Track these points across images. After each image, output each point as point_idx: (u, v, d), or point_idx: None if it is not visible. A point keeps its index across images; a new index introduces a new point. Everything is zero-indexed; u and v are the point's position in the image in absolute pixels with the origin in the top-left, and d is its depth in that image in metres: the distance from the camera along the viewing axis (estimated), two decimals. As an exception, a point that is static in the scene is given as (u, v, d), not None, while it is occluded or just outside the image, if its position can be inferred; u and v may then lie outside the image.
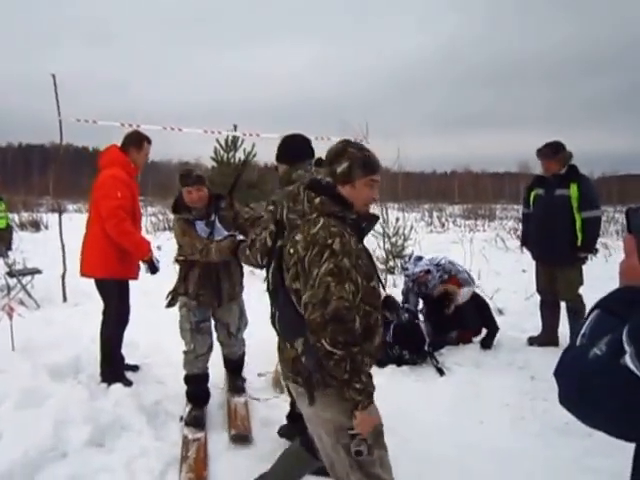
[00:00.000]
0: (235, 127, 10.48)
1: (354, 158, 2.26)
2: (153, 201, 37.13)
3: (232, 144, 11.41)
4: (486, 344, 5.52)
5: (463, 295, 5.70)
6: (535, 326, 5.84)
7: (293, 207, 2.38)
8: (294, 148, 3.19)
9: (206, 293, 3.96)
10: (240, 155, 11.63)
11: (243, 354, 4.55)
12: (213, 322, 4.20)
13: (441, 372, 4.90)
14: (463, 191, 67.52)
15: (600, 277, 9.94)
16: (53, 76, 7.45)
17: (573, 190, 5.34)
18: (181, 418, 3.99)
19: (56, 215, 8.74)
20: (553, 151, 5.44)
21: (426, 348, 5.11)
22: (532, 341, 5.70)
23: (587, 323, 1.07)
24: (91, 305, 7.12)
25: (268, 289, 2.48)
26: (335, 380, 2.12)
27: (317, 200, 2.23)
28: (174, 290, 4.09)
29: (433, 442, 3.56)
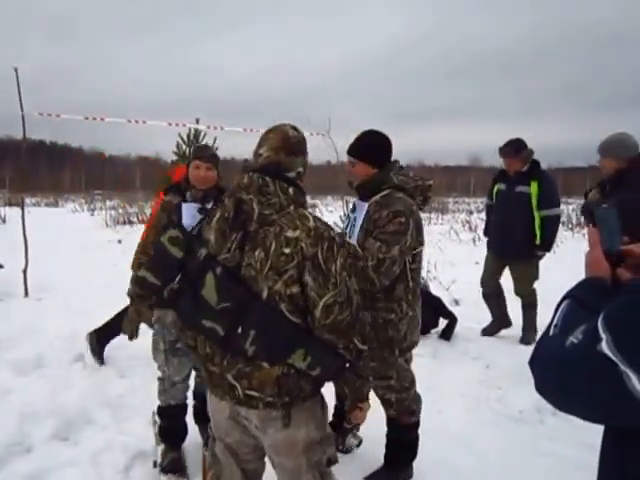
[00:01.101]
0: (198, 120, 10.35)
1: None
2: (112, 195, 36.47)
3: (194, 138, 11.27)
4: (445, 335, 5.60)
5: None
6: (488, 318, 5.94)
7: (267, 201, 1.94)
8: (385, 148, 3.02)
9: None
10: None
11: None
12: None
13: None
14: (417, 185, 67.91)
15: (550, 268, 10.20)
16: (15, 70, 7.21)
17: (533, 187, 5.38)
18: (155, 463, 3.23)
19: (13, 209, 8.50)
20: (515, 150, 5.48)
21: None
22: (485, 332, 5.80)
23: (558, 314, 1.10)
24: (54, 300, 6.98)
25: (200, 308, 1.96)
26: (360, 379, 2.02)
27: (291, 190, 1.97)
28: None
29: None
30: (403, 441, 3.15)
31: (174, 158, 11.87)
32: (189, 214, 3.09)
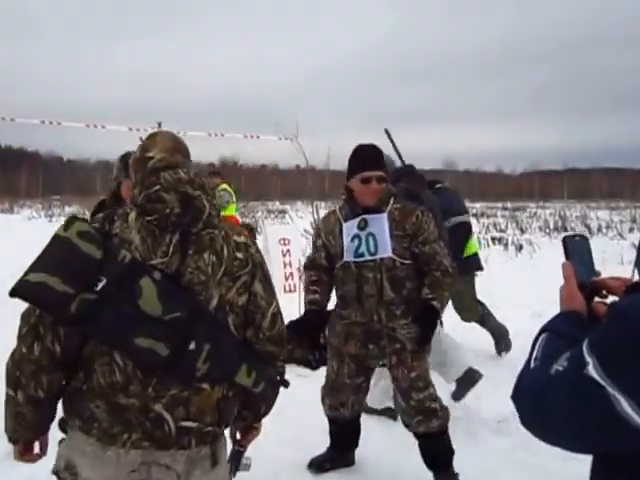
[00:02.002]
0: (159, 124, 10.30)
1: None
2: (71, 200, 36.02)
3: (156, 142, 11.20)
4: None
5: None
6: (465, 325, 5.97)
7: (212, 199, 1.81)
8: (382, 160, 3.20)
9: None
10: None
11: None
12: None
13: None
14: (391, 188, 68.53)
15: (528, 274, 10.31)
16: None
17: None
18: None
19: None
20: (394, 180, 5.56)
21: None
22: (499, 350, 5.79)
23: (537, 347, 1.12)
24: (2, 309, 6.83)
25: (138, 322, 1.63)
26: (266, 403, 1.92)
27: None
28: None
29: (368, 443, 3.60)
30: (448, 445, 3.24)
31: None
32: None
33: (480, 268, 5.65)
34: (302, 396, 4.72)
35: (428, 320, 3.09)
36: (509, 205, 41.98)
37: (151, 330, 1.61)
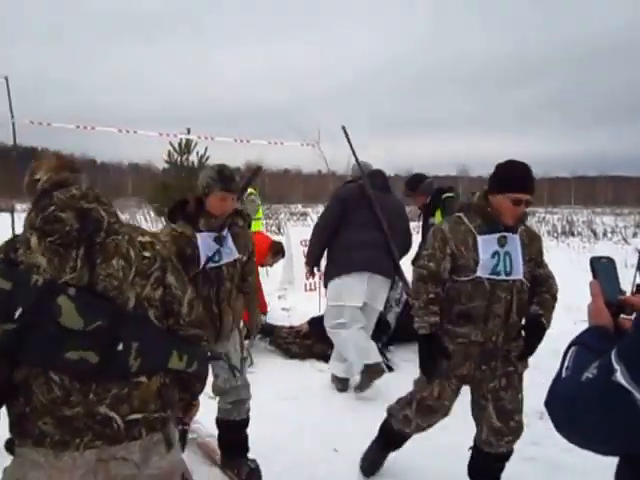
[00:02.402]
0: (189, 130, 10.38)
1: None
2: (104, 201, 36.12)
3: (185, 147, 11.29)
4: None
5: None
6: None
7: (109, 208, 1.80)
8: None
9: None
10: (193, 158, 11.53)
11: (248, 410, 3.27)
12: None
13: (390, 368, 4.94)
14: (406, 193, 68.30)
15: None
16: (6, 78, 7.20)
17: (437, 217, 5.31)
18: None
19: (1, 215, 8.43)
20: (410, 188, 5.49)
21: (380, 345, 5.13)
22: None
23: (568, 358, 1.16)
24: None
25: (69, 338, 1.64)
26: (200, 381, 1.97)
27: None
28: None
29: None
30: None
31: (164, 166, 11.88)
32: (205, 245, 3.02)
33: None
34: (319, 389, 4.75)
35: (537, 334, 3.00)
36: (519, 210, 41.58)
37: (78, 343, 1.62)
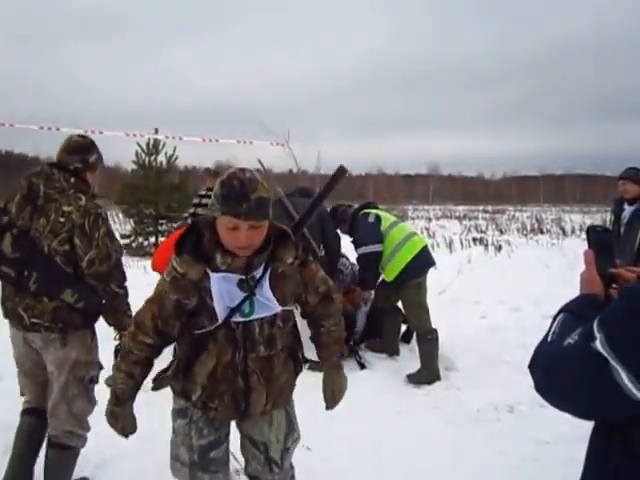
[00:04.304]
0: (156, 130, 10.31)
1: (100, 153, 2.96)
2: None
3: (154, 147, 11.20)
4: (405, 338, 5.63)
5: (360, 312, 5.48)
6: (446, 320, 6.00)
7: (51, 184, 2.69)
8: None
9: (223, 404, 2.08)
10: (162, 158, 11.44)
11: None
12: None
13: (362, 366, 4.97)
14: (378, 193, 68.79)
15: (507, 272, 10.40)
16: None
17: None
18: None
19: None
20: (332, 217, 5.33)
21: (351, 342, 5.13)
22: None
23: (555, 324, 1.20)
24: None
25: (2, 258, 2.65)
26: (117, 312, 2.78)
27: (72, 180, 2.72)
28: (163, 376, 2.26)
29: (351, 433, 3.61)
30: None
31: (133, 167, 11.77)
32: (223, 292, 1.94)
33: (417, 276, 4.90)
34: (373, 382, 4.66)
35: None
36: (489, 208, 42.22)
37: (6, 262, 2.63)
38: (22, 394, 2.95)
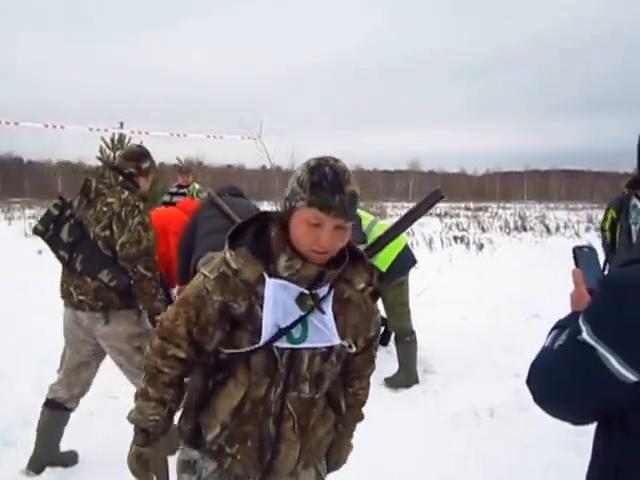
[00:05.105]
0: (122, 124, 10.21)
1: (153, 161, 3.54)
2: (32, 203, 35.37)
3: (119, 142, 11.10)
4: (383, 341, 5.66)
5: None
6: (425, 321, 6.05)
7: (101, 180, 3.32)
8: None
9: (245, 452, 1.68)
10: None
11: None
12: None
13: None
14: (355, 189, 68.65)
15: (488, 271, 10.51)
16: None
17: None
18: None
19: None
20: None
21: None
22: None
23: (549, 339, 1.25)
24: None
25: (60, 244, 3.25)
26: (145, 294, 3.22)
27: (120, 178, 3.34)
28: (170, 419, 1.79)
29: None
30: None
31: (99, 164, 11.64)
32: (278, 303, 1.59)
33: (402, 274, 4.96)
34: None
35: None
36: (471, 205, 42.52)
37: (63, 247, 3.24)
38: (59, 370, 3.49)
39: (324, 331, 1.62)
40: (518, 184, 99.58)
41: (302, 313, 1.58)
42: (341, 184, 1.51)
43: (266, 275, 1.58)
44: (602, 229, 5.21)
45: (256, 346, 1.58)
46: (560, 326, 1.27)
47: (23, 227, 18.34)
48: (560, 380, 1.15)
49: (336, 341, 1.64)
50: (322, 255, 1.55)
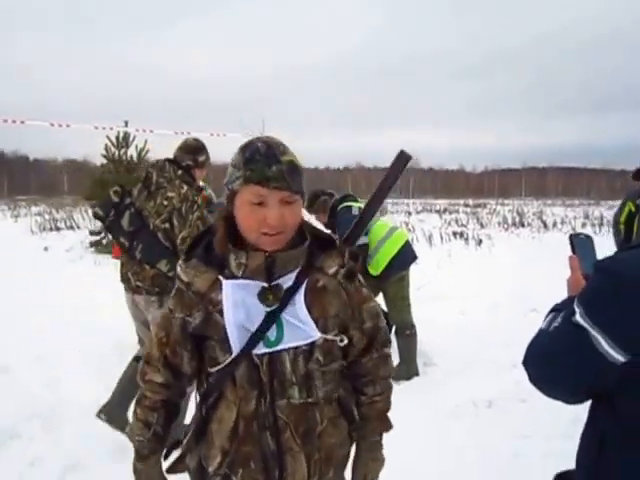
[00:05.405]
0: (126, 123, 10.22)
1: (208, 154, 3.73)
2: (37, 200, 35.42)
3: (123, 141, 11.10)
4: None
5: None
6: (424, 315, 6.06)
7: (162, 174, 3.49)
8: None
9: (250, 475, 1.52)
10: (132, 152, 11.34)
11: None
12: None
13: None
14: (356, 186, 68.91)
15: (487, 267, 10.52)
16: None
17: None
18: None
19: None
20: (308, 205, 5.12)
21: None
22: None
23: (545, 322, 1.28)
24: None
25: (120, 231, 3.43)
26: None
27: (179, 172, 3.51)
28: (174, 450, 1.70)
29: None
30: None
31: (103, 161, 11.65)
32: (239, 305, 1.45)
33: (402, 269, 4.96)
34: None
35: None
36: (470, 202, 42.54)
37: (123, 234, 3.42)
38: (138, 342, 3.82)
39: (300, 327, 1.46)
40: (516, 181, 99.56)
41: (267, 309, 1.44)
42: (276, 154, 1.39)
43: (222, 279, 1.46)
44: (616, 222, 4.67)
45: (232, 358, 1.44)
46: (556, 309, 1.30)
47: (29, 224, 18.43)
48: (554, 361, 1.19)
49: (316, 335, 1.47)
50: (275, 237, 1.41)
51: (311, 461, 1.52)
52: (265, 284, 1.44)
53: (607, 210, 28.26)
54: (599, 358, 1.09)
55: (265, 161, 1.37)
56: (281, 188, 1.37)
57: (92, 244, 12.01)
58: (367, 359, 1.63)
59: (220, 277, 1.46)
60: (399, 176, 2.55)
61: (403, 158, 3.25)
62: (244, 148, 1.42)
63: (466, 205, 37.15)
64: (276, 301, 1.44)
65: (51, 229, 17.98)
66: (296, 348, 1.47)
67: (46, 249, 12.42)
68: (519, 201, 44.55)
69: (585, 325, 1.11)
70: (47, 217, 20.50)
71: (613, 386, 1.12)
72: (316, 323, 1.47)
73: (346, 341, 1.53)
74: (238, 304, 1.44)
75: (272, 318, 1.44)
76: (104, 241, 12.21)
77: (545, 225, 19.70)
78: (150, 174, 3.50)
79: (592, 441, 1.22)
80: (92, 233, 12.12)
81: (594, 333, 1.09)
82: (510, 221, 21.32)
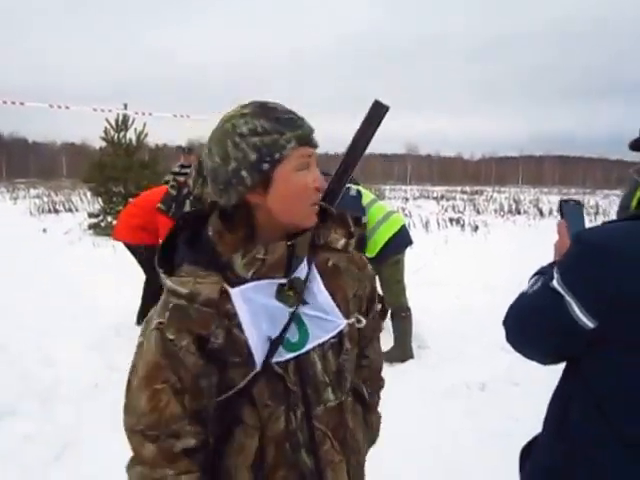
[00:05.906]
0: (125, 105, 10.17)
1: None
2: (36, 183, 35.34)
3: (122, 123, 11.05)
4: (380, 317, 5.67)
5: None
6: (420, 300, 6.08)
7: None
8: None
9: None
10: (131, 135, 11.30)
11: None
12: None
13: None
14: (354, 172, 68.72)
15: (482, 253, 10.53)
16: None
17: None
18: None
19: None
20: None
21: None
22: None
23: (528, 285, 1.32)
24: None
25: None
26: None
27: None
28: None
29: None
30: None
31: (102, 145, 11.60)
32: (259, 310, 1.18)
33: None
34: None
35: None
36: (467, 189, 42.51)
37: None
38: None
39: (326, 318, 1.24)
40: (513, 169, 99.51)
41: (290, 310, 1.18)
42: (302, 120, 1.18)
43: (227, 286, 1.15)
44: (623, 207, 4.13)
45: (253, 374, 1.16)
46: (540, 272, 1.34)
47: (28, 206, 18.40)
48: (530, 322, 1.25)
49: (343, 323, 1.26)
50: (317, 207, 1.21)
51: (350, 470, 1.32)
52: (282, 280, 1.17)
53: (602, 199, 28.30)
54: (570, 323, 1.14)
55: (301, 118, 1.17)
56: (317, 146, 1.19)
57: (90, 226, 12.01)
58: (368, 321, 1.38)
59: (225, 286, 1.15)
60: (375, 131, 2.27)
61: (378, 108, 2.68)
62: (267, 110, 1.15)
63: (463, 192, 37.12)
64: (298, 297, 1.19)
65: (50, 211, 17.96)
66: (323, 344, 1.24)
67: (45, 231, 12.40)
68: (516, 189, 44.55)
69: (561, 290, 1.16)
70: (46, 199, 20.46)
71: (581, 351, 1.18)
72: (339, 308, 1.27)
73: (364, 322, 1.32)
74: (258, 313, 1.17)
75: (292, 319, 1.19)
76: (102, 223, 12.21)
77: (541, 213, 19.70)
78: (202, 162, 3.53)
79: (561, 400, 1.27)
80: (91, 215, 12.13)
81: (568, 298, 1.14)
82: (506, 208, 21.33)
